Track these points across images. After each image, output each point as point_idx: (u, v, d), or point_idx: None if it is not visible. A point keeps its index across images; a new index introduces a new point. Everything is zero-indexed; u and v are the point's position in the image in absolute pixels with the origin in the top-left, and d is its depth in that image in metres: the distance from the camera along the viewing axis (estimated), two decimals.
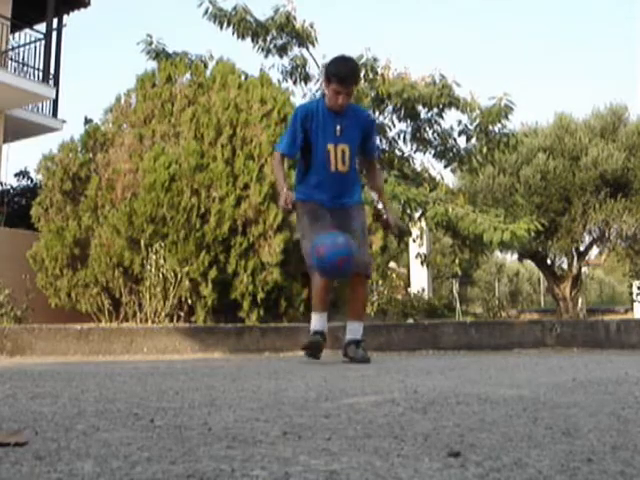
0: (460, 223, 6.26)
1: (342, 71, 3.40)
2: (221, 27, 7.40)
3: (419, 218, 7.19)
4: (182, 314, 5.84)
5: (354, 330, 3.52)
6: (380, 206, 3.72)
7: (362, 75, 7.52)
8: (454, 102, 7.27)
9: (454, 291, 14.83)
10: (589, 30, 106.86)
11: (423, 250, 8.19)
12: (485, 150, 7.54)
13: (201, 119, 6.52)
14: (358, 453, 1.04)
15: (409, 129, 7.71)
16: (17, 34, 12.55)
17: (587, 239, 13.14)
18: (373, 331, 4.95)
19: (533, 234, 6.46)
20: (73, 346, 4.45)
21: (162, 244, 5.84)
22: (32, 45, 12.07)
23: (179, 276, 5.70)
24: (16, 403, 1.68)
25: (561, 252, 13.00)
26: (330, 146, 3.43)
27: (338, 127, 3.44)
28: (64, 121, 12.41)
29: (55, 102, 12.24)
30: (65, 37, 12.81)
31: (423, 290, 11.16)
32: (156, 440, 1.16)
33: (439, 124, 7.63)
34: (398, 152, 7.82)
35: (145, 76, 7.23)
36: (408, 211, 6.72)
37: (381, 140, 7.80)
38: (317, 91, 7.80)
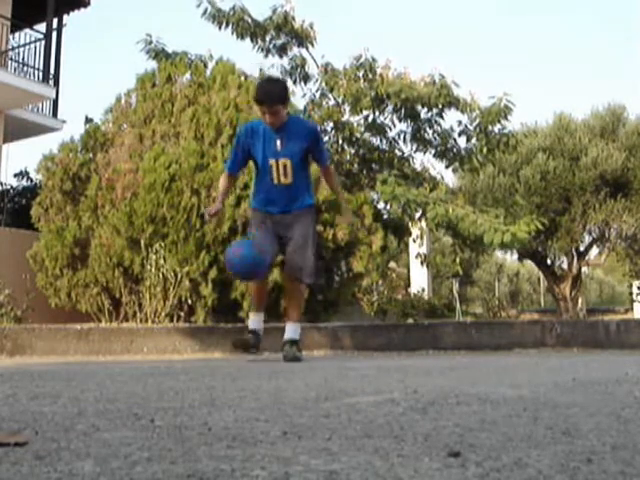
0: (460, 224, 6.26)
1: (259, 94, 3.70)
2: (220, 27, 7.41)
3: (419, 218, 7.18)
4: (182, 314, 5.84)
5: (290, 331, 3.81)
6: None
7: (361, 75, 7.52)
8: (454, 102, 7.27)
9: (454, 291, 14.82)
10: (588, 30, 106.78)
11: (423, 250, 8.18)
12: (485, 150, 7.54)
13: (201, 119, 6.52)
14: (358, 453, 1.04)
15: (409, 129, 7.71)
16: (17, 34, 12.55)
17: (587, 239, 13.15)
18: (373, 331, 4.95)
19: (533, 233, 6.46)
20: (73, 346, 4.45)
21: (162, 244, 5.83)
22: (32, 45, 12.07)
23: (179, 276, 5.69)
24: (16, 403, 1.68)
25: (561, 252, 13.00)
26: (272, 161, 3.67)
27: (278, 142, 3.67)
28: (64, 121, 12.41)
29: (55, 102, 12.24)
30: (65, 37, 12.82)
31: (423, 290, 11.15)
32: (156, 440, 1.16)
33: (439, 124, 7.63)
34: (398, 152, 7.82)
35: (145, 76, 7.22)
36: (408, 211, 6.72)
37: (381, 140, 7.80)
38: (317, 91, 7.81)
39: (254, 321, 3.91)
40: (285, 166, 3.67)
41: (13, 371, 3.00)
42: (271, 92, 3.72)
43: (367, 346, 4.62)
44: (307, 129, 3.85)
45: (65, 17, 12.98)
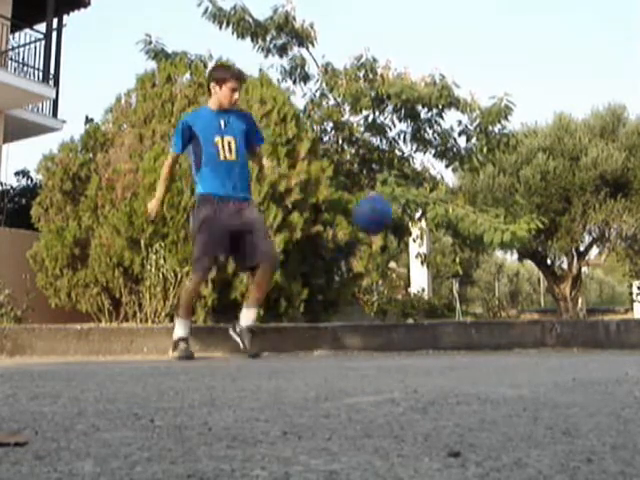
0: (460, 224, 6.26)
1: (235, 70, 4.09)
2: (220, 27, 7.41)
3: (419, 218, 7.18)
4: None
5: (249, 316, 3.88)
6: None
7: (362, 75, 7.53)
8: (454, 103, 7.27)
9: (454, 291, 14.83)
10: (588, 30, 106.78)
11: (423, 250, 8.18)
12: (485, 150, 7.54)
13: None
14: (358, 453, 1.04)
15: (409, 129, 7.71)
16: (17, 34, 12.55)
17: (587, 239, 13.16)
18: (373, 331, 4.95)
19: (533, 233, 6.46)
20: (73, 346, 4.45)
21: (162, 244, 5.83)
22: (32, 45, 12.06)
23: (179, 276, 5.69)
24: (16, 403, 1.68)
25: (561, 252, 13.02)
26: (217, 138, 3.90)
27: (222, 122, 3.95)
28: (64, 121, 12.41)
29: (55, 102, 12.24)
30: (65, 37, 12.82)
31: (423, 290, 11.16)
32: (156, 440, 1.16)
33: (439, 124, 7.63)
34: (398, 152, 7.82)
35: (145, 76, 7.22)
36: (408, 211, 6.71)
37: (381, 140, 7.80)
38: (317, 91, 7.81)
39: (186, 327, 3.92)
40: (229, 143, 3.92)
41: (13, 371, 3.00)
42: (243, 72, 4.23)
43: (367, 346, 4.62)
44: (245, 113, 4.31)
45: (65, 17, 12.98)
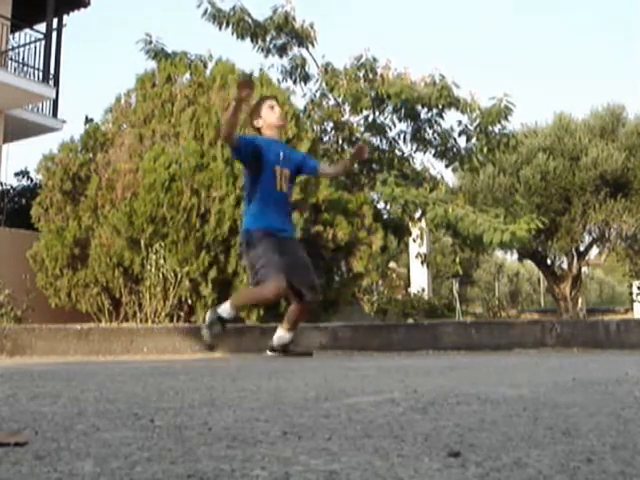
0: (460, 224, 6.26)
1: (269, 95, 4.24)
2: (220, 27, 7.42)
3: (419, 218, 7.18)
4: (182, 314, 5.84)
5: (288, 338, 3.96)
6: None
7: (362, 75, 7.53)
8: (454, 103, 7.27)
9: (454, 291, 14.83)
10: (588, 30, 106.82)
11: (423, 250, 8.18)
12: (485, 150, 7.54)
13: (201, 119, 6.52)
14: (358, 453, 1.04)
15: (409, 129, 7.71)
16: (17, 34, 12.54)
17: (587, 239, 13.16)
18: (373, 331, 4.95)
19: (533, 233, 6.46)
20: (73, 346, 4.45)
21: (162, 244, 5.83)
22: (32, 45, 12.06)
23: (179, 276, 5.69)
24: (16, 403, 1.68)
25: (561, 252, 13.02)
26: (277, 167, 3.85)
27: (281, 153, 3.90)
28: (64, 121, 12.41)
29: (55, 102, 12.24)
30: (65, 37, 12.82)
31: (423, 290, 11.15)
32: (156, 440, 1.16)
33: (439, 124, 7.63)
34: (398, 152, 7.82)
35: (145, 76, 7.22)
36: (408, 211, 6.71)
37: (381, 140, 7.80)
38: (317, 91, 7.82)
39: (230, 314, 3.85)
40: (285, 175, 3.89)
41: (13, 371, 3.00)
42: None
43: (367, 346, 4.62)
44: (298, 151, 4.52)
45: (65, 17, 12.98)
